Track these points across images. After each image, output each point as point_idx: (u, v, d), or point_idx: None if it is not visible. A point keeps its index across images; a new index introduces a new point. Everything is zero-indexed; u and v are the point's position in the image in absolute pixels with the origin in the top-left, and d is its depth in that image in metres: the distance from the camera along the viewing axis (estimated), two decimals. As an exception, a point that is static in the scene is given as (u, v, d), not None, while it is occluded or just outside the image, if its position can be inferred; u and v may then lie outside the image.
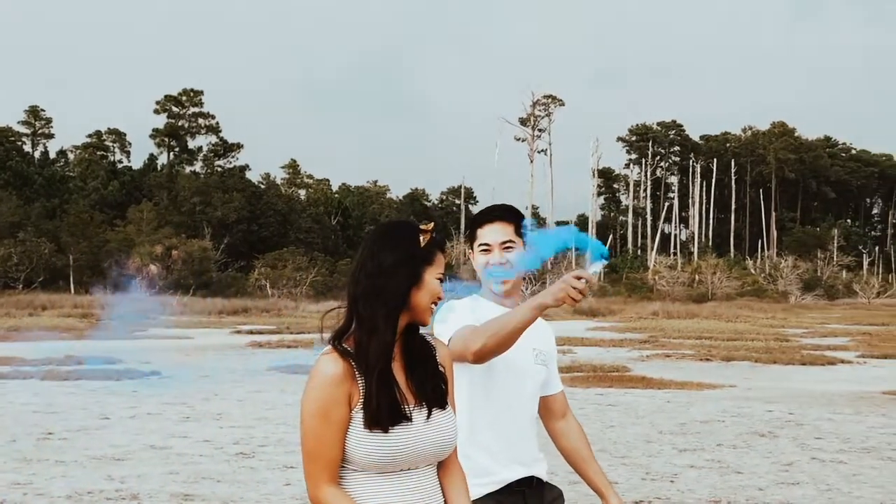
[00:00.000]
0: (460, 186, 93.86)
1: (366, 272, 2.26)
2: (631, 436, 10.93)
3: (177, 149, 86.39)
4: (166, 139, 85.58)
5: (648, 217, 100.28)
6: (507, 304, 3.05)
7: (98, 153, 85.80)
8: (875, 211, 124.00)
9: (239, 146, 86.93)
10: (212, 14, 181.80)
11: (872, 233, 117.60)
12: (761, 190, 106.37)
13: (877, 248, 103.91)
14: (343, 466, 2.24)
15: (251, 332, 30.64)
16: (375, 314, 2.24)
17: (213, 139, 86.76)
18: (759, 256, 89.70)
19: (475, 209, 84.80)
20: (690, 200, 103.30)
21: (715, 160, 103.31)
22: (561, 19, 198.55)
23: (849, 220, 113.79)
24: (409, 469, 2.27)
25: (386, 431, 2.20)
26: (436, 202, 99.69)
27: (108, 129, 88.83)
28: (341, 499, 2.21)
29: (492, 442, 2.96)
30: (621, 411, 13.06)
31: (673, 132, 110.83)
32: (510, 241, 3.03)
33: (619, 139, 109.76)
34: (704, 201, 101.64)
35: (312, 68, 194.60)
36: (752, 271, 76.24)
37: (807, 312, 53.52)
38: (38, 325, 30.69)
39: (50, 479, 8.22)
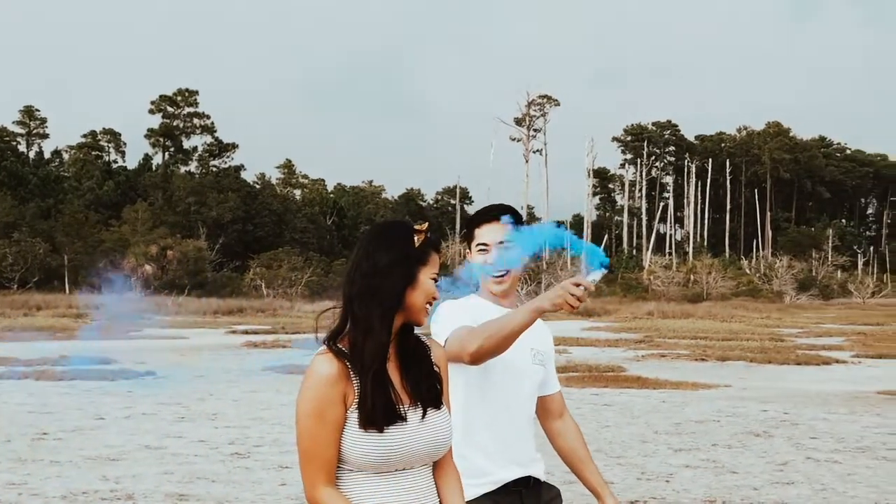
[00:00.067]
0: (455, 186, 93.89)
1: (361, 272, 2.27)
2: (626, 436, 10.94)
3: (172, 149, 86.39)
4: (161, 139, 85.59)
5: (644, 217, 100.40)
6: (504, 305, 3.05)
7: (93, 153, 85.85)
8: (870, 211, 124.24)
9: (234, 146, 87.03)
10: (211, 14, 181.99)
11: (867, 233, 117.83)
12: (756, 190, 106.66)
13: (871, 248, 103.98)
14: (339, 467, 2.25)
15: (246, 333, 30.62)
16: (371, 314, 2.24)
17: (209, 139, 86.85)
18: (754, 256, 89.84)
19: (470, 209, 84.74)
20: (685, 200, 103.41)
21: (710, 160, 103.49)
22: (561, 19, 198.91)
23: (843, 220, 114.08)
24: (404, 469, 2.27)
25: (381, 431, 2.20)
26: (431, 202, 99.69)
27: (103, 129, 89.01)
28: (338, 499, 2.22)
29: (489, 442, 2.96)
30: (617, 411, 13.07)
31: (668, 132, 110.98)
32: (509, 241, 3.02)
33: (615, 139, 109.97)
34: (699, 201, 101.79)
35: (311, 68, 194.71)
36: (748, 271, 76.39)
37: (802, 312, 53.58)
38: (33, 325, 30.64)
39: (45, 479, 8.20)
